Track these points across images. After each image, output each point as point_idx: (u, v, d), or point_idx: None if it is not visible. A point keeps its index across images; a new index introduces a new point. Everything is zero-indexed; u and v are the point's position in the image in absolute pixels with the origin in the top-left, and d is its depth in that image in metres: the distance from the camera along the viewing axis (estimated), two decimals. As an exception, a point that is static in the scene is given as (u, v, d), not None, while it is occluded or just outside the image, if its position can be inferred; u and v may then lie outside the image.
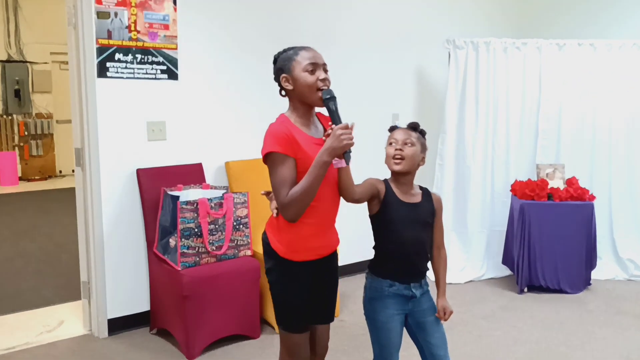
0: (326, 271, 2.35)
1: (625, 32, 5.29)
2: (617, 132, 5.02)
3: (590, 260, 4.61)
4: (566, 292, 4.54)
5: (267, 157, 2.09)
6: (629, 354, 3.50)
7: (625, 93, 4.99)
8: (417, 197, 2.36)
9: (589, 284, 4.67)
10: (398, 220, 2.29)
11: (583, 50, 4.97)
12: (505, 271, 4.95)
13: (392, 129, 2.40)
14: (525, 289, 4.60)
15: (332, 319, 2.45)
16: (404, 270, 2.32)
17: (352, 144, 2.01)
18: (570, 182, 4.69)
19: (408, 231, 2.29)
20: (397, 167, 2.30)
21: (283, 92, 2.25)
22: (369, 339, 2.42)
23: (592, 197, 4.61)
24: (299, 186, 2.04)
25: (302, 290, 2.24)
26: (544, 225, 4.51)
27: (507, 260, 4.85)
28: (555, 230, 4.51)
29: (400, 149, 2.29)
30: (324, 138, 2.10)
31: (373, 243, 2.47)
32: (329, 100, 2.12)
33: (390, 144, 2.32)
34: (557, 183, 4.70)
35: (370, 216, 2.39)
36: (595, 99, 4.99)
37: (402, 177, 2.33)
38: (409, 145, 2.31)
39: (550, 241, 4.52)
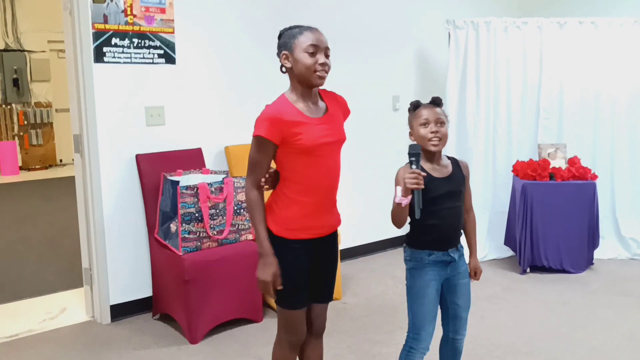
0: (325, 251, 2.34)
1: (626, 9, 5.24)
2: (618, 111, 4.99)
3: (592, 239, 4.60)
4: (569, 272, 4.53)
5: (253, 137, 2.15)
6: (632, 334, 3.50)
7: (627, 71, 4.95)
8: (448, 169, 2.37)
9: (592, 264, 4.67)
10: (436, 197, 2.29)
11: (584, 29, 4.92)
12: (508, 252, 4.94)
13: (416, 106, 2.37)
14: (528, 270, 4.59)
15: (330, 299, 2.45)
16: (444, 239, 2.36)
17: (417, 187, 2.12)
18: (572, 161, 4.67)
19: (447, 204, 2.30)
20: (435, 148, 2.30)
21: (284, 69, 2.24)
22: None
23: (594, 177, 4.58)
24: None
25: (297, 268, 2.24)
26: (546, 206, 4.49)
27: (509, 241, 4.84)
28: (557, 210, 4.49)
29: (437, 130, 2.29)
30: None
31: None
32: (412, 157, 2.17)
33: (424, 124, 2.30)
34: (559, 163, 4.68)
35: None
36: (597, 77, 4.95)
37: (435, 154, 2.34)
38: (441, 124, 2.31)
39: (552, 221, 4.50)
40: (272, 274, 2.17)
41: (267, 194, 2.29)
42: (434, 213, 2.27)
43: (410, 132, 2.39)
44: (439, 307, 2.42)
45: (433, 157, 2.34)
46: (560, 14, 5.14)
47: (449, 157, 2.42)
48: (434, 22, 5.15)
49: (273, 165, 2.23)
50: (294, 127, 2.11)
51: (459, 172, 2.39)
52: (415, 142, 2.32)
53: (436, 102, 2.37)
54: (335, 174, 2.26)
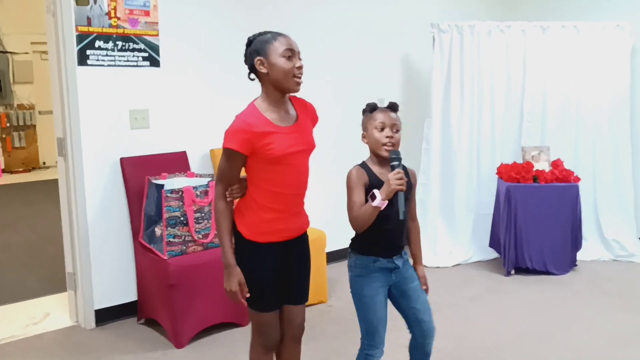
0: (295, 253, 2.36)
1: (608, 14, 5.29)
2: (601, 114, 5.04)
3: (575, 241, 4.64)
4: (552, 274, 4.57)
5: (223, 149, 2.16)
6: (615, 334, 3.54)
7: (609, 75, 5.01)
8: None
9: (575, 265, 4.71)
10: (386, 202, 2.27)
11: (566, 32, 4.98)
12: (492, 254, 4.98)
13: (373, 108, 2.36)
14: (512, 271, 4.63)
15: (305, 300, 2.46)
16: (388, 245, 2.36)
17: (402, 189, 2.17)
18: (556, 164, 4.71)
19: (392, 210, 2.27)
20: (387, 154, 2.28)
21: (252, 76, 2.23)
22: (358, 323, 2.43)
23: (577, 179, 4.63)
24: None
25: (267, 270, 2.26)
26: (529, 208, 4.53)
27: (493, 243, 4.87)
28: (541, 212, 4.53)
29: (391, 135, 2.29)
30: None
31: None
32: (396, 160, 2.23)
33: (380, 129, 2.29)
34: (542, 165, 4.72)
35: None
36: (580, 81, 5.00)
37: (385, 159, 2.31)
38: (397, 130, 2.31)
39: (536, 223, 4.54)
40: (237, 282, 2.22)
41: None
42: (384, 217, 2.24)
43: (363, 135, 2.38)
44: (388, 311, 2.41)
45: (383, 161, 2.32)
46: (543, 17, 5.19)
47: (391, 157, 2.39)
48: (418, 25, 5.17)
49: (243, 173, 2.26)
50: (264, 137, 2.12)
51: (408, 180, 2.36)
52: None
53: (393, 107, 2.37)
54: (303, 181, 2.29)
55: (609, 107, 5.04)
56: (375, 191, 2.19)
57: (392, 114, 2.33)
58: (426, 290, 2.46)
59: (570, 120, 5.04)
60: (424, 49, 5.21)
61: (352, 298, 2.41)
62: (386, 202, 2.17)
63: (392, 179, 2.16)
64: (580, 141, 5.07)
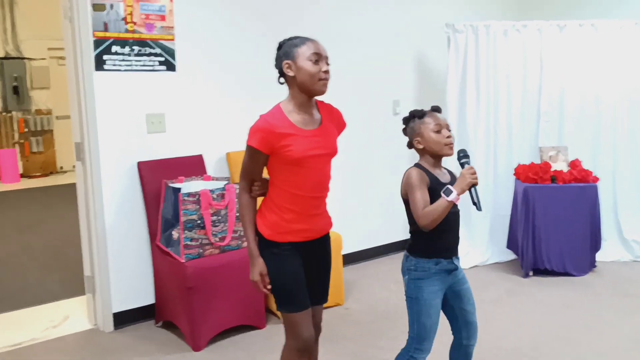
0: (316, 253, 2.37)
1: (626, 12, 5.24)
2: (619, 113, 4.98)
3: (595, 242, 4.59)
4: (571, 275, 4.52)
5: (246, 145, 2.22)
6: (637, 337, 3.49)
7: (628, 74, 4.95)
8: (447, 175, 2.42)
9: (594, 266, 4.66)
10: None
11: (584, 31, 4.92)
12: (510, 255, 4.94)
13: (423, 114, 2.38)
14: (531, 273, 4.58)
15: (324, 301, 2.47)
16: (450, 246, 2.39)
17: (476, 183, 2.24)
18: (574, 164, 4.66)
19: (452, 209, 2.30)
20: (451, 152, 2.35)
21: (282, 80, 2.27)
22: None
23: (596, 179, 4.58)
24: None
25: (290, 270, 2.27)
26: (548, 208, 4.49)
27: (511, 244, 4.83)
28: (559, 212, 4.48)
29: (450, 135, 2.34)
30: None
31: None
32: (465, 158, 2.32)
33: (438, 131, 2.33)
34: (560, 165, 4.68)
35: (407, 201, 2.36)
36: (597, 80, 4.95)
37: (439, 159, 2.39)
38: (449, 129, 2.37)
39: (554, 224, 4.50)
40: (259, 273, 2.25)
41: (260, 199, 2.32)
42: (445, 218, 2.26)
43: (417, 140, 2.38)
44: (443, 315, 2.42)
45: (436, 164, 2.38)
46: (560, 17, 5.15)
47: (457, 153, 2.44)
48: (433, 26, 5.15)
49: (266, 174, 2.28)
50: (284, 139, 2.16)
51: (454, 179, 2.42)
52: (422, 147, 2.36)
53: (438, 109, 2.42)
54: (323, 185, 2.31)
55: (627, 107, 4.98)
56: (450, 187, 2.22)
57: (440, 115, 2.38)
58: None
59: (588, 120, 4.99)
60: (439, 49, 5.18)
61: (406, 301, 2.42)
62: (460, 197, 2.21)
63: (467, 174, 2.21)
64: (599, 141, 5.01)
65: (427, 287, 2.34)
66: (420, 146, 2.38)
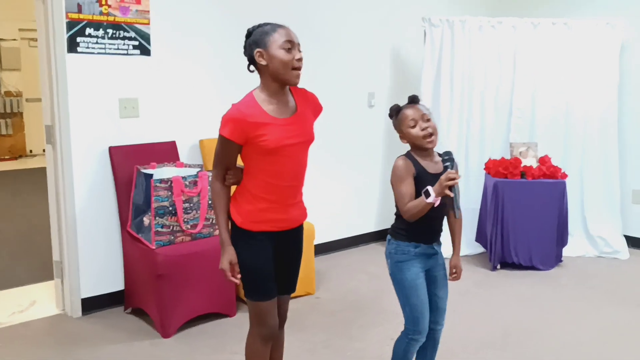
0: (289, 244, 2.37)
1: (599, 11, 5.32)
2: (590, 111, 5.07)
3: (561, 237, 4.69)
4: (538, 269, 4.61)
5: (219, 136, 2.18)
6: (602, 328, 3.58)
7: (599, 72, 5.04)
8: (439, 165, 2.39)
9: (560, 261, 4.76)
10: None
11: (557, 29, 5.00)
12: (479, 248, 5.01)
13: (398, 110, 2.40)
14: (498, 266, 4.67)
15: (292, 290, 2.48)
16: (430, 232, 2.43)
17: (454, 184, 2.21)
18: (543, 160, 4.74)
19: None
20: (432, 145, 2.35)
21: (251, 67, 2.23)
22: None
23: (564, 175, 4.67)
24: None
25: (261, 259, 2.26)
26: (516, 203, 4.57)
27: (480, 237, 4.91)
28: (527, 207, 4.56)
29: (426, 126, 2.33)
30: None
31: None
32: (448, 161, 2.29)
33: (412, 126, 2.34)
34: (530, 161, 4.75)
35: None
36: (569, 78, 5.03)
37: (429, 150, 2.38)
38: (428, 119, 2.35)
39: (522, 219, 4.58)
40: (229, 261, 2.23)
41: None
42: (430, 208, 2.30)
43: (400, 136, 2.41)
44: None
45: (427, 153, 2.38)
46: (534, 15, 5.21)
47: (439, 154, 2.45)
48: (410, 19, 5.18)
49: (240, 162, 2.25)
50: (258, 128, 2.12)
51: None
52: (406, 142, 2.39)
53: (414, 100, 2.42)
54: (299, 173, 2.28)
55: (598, 105, 5.07)
56: (429, 188, 2.23)
57: (417, 106, 2.38)
58: (456, 278, 2.54)
59: (559, 117, 5.07)
60: (415, 43, 5.21)
61: (394, 287, 2.47)
62: (439, 199, 2.22)
63: (444, 179, 2.20)
64: (569, 138, 5.10)
65: (408, 268, 2.39)
66: (405, 141, 2.41)
